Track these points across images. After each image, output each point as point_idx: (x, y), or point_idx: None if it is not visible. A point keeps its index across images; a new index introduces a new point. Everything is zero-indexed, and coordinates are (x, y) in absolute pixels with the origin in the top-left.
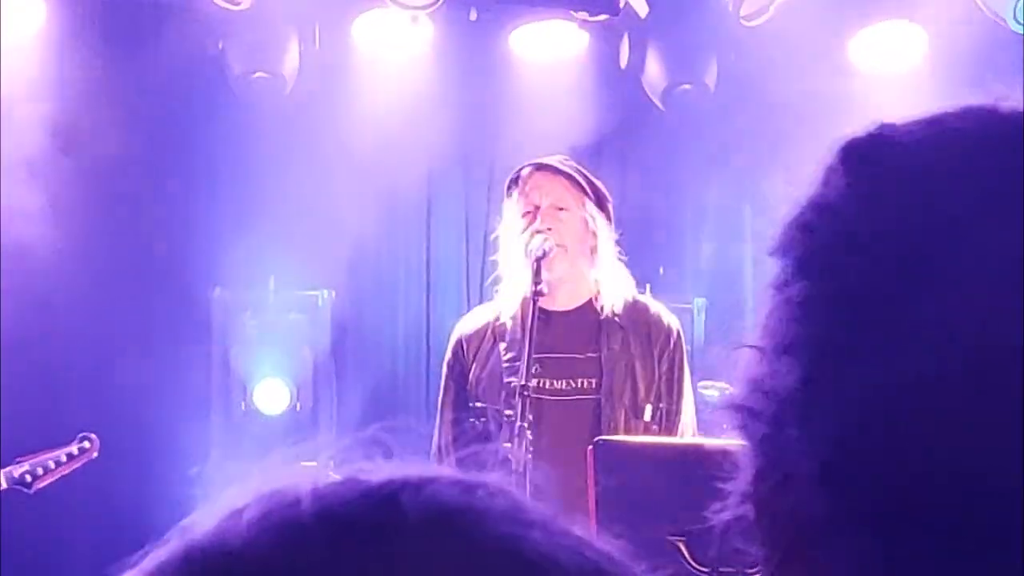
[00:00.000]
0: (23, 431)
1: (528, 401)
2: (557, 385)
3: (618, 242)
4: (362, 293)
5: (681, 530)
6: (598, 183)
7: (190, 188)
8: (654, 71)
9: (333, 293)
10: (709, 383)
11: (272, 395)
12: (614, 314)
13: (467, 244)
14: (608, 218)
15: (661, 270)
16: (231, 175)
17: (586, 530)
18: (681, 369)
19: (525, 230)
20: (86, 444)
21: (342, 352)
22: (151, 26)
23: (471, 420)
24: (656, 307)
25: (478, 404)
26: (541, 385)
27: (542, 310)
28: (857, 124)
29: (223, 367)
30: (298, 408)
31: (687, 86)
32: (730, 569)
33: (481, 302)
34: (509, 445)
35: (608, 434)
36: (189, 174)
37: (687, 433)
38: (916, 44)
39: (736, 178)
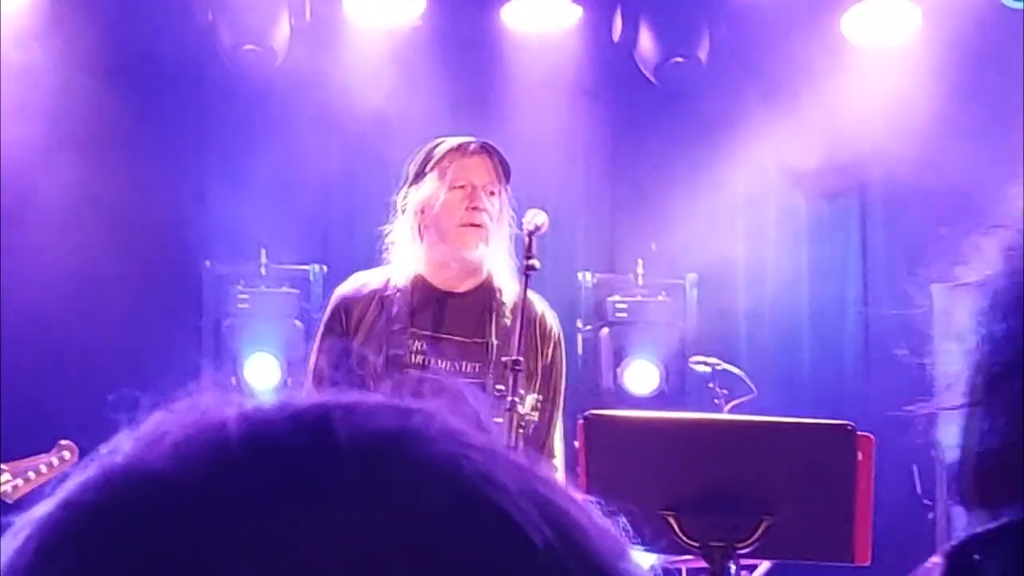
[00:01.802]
0: (12, 403)
1: (407, 378)
2: (442, 365)
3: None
4: (354, 267)
5: (672, 504)
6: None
7: (181, 161)
8: (647, 45)
9: (325, 267)
10: (700, 358)
11: (263, 369)
12: (503, 303)
13: None
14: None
15: (653, 245)
16: (222, 148)
17: (526, 458)
18: (559, 369)
19: (460, 204)
20: (66, 454)
21: None
22: None
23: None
24: (541, 304)
25: (358, 372)
26: (426, 364)
27: (435, 289)
28: (849, 98)
29: (214, 341)
30: (289, 383)
31: (679, 59)
32: (720, 543)
33: None
34: (500, 420)
35: (488, 420)
36: (180, 147)
37: (555, 434)
38: (909, 19)
39: (729, 152)
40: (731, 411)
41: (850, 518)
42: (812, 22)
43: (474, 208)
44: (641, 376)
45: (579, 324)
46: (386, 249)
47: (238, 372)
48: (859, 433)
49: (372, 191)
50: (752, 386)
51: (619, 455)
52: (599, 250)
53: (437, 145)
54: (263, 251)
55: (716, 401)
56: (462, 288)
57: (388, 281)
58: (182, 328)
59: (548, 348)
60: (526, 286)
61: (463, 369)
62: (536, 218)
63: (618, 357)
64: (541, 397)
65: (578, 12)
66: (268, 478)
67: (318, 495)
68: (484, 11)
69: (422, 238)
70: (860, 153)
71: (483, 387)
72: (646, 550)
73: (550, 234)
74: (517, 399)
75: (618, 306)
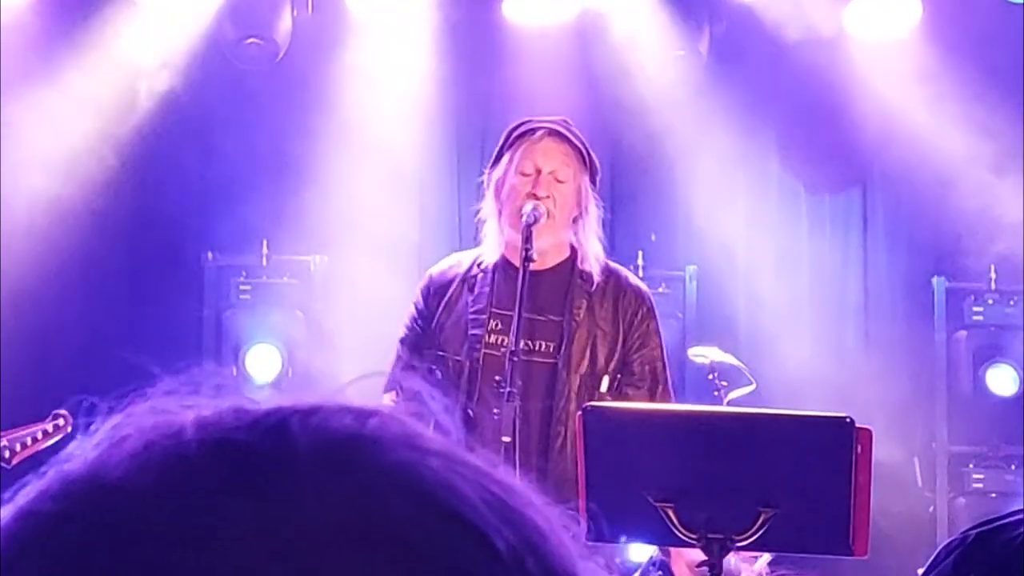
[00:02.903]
0: (14, 395)
1: (482, 356)
2: (518, 344)
3: (605, 216)
4: (355, 257)
5: (670, 496)
6: (592, 154)
7: (183, 153)
8: (646, 38)
9: (326, 258)
10: (700, 350)
11: (264, 360)
12: (584, 281)
13: (459, 209)
14: (596, 189)
15: (653, 236)
16: (224, 140)
17: (488, 462)
18: (648, 338)
19: (522, 190)
20: (60, 422)
21: (335, 317)
22: None
23: (430, 367)
24: (627, 276)
25: (439, 352)
26: (500, 342)
27: (514, 268)
28: (850, 91)
29: (215, 332)
30: (290, 374)
31: (679, 53)
32: (718, 535)
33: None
34: (498, 411)
35: (560, 400)
36: (182, 139)
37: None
38: (910, 12)
39: (729, 145)
40: (730, 403)
41: (848, 511)
42: (813, 16)
43: (532, 195)
44: None
45: None
46: (479, 226)
47: (239, 363)
48: (857, 426)
49: (373, 182)
50: (752, 378)
51: (617, 447)
52: None
53: (517, 126)
54: (264, 242)
55: (715, 393)
56: (541, 267)
57: (476, 260)
58: (184, 319)
59: (632, 324)
60: (524, 277)
61: (537, 348)
62: (535, 211)
63: None
64: (622, 377)
65: (578, 5)
66: (227, 485)
67: (276, 501)
68: (486, 4)
69: (500, 216)
70: (861, 146)
71: (555, 365)
72: (641, 542)
73: None
74: (515, 389)
75: None
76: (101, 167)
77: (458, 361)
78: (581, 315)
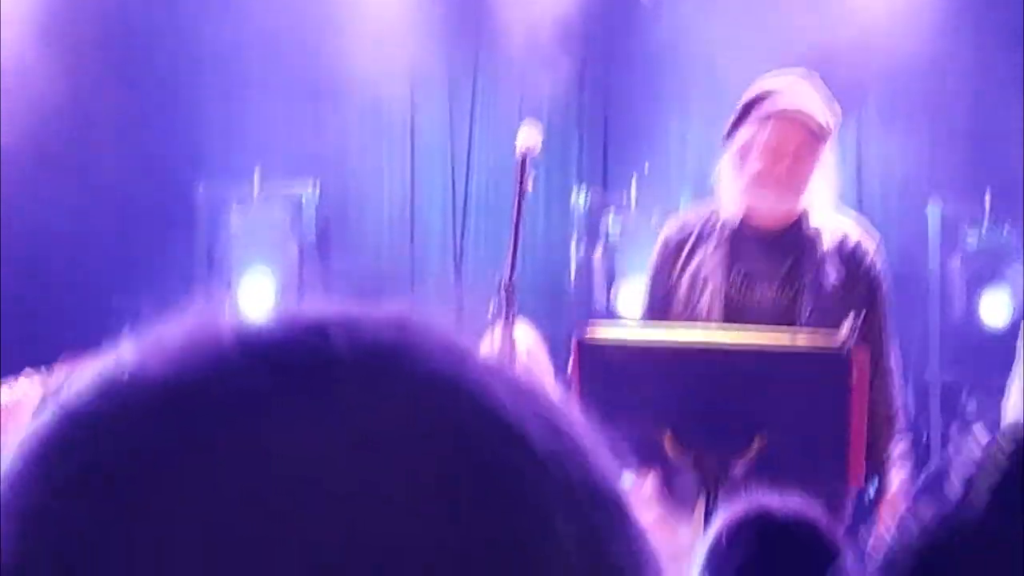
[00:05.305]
0: (8, 327)
1: (722, 308)
2: (753, 296)
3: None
4: (346, 187)
5: (665, 422)
6: (830, 106)
7: (174, 83)
8: None
9: (318, 189)
10: None
11: (257, 290)
12: (811, 237)
13: (451, 138)
14: (831, 148)
15: (647, 165)
16: (214, 70)
17: (538, 385)
18: (877, 291)
19: (759, 166)
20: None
21: (327, 246)
22: None
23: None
24: (849, 237)
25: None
26: (743, 297)
27: (751, 228)
28: (844, 22)
29: (208, 263)
30: (283, 304)
31: None
32: (712, 453)
33: (466, 194)
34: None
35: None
36: (171, 70)
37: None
38: None
39: (722, 78)
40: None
41: (845, 441)
42: None
43: (768, 171)
44: (634, 297)
45: (572, 245)
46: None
47: (232, 293)
48: (851, 347)
49: (364, 110)
50: None
51: (612, 380)
52: (592, 171)
53: (756, 97)
54: (256, 171)
55: None
56: (765, 226)
57: (709, 219)
58: (175, 250)
59: (859, 278)
60: (519, 209)
61: (759, 298)
62: (528, 140)
63: (610, 277)
64: (857, 323)
65: None
66: (265, 382)
67: (316, 399)
68: None
69: (738, 179)
70: (855, 76)
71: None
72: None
73: (544, 152)
74: (511, 319)
75: (612, 228)
76: (90, 98)
77: (698, 307)
78: (806, 282)
